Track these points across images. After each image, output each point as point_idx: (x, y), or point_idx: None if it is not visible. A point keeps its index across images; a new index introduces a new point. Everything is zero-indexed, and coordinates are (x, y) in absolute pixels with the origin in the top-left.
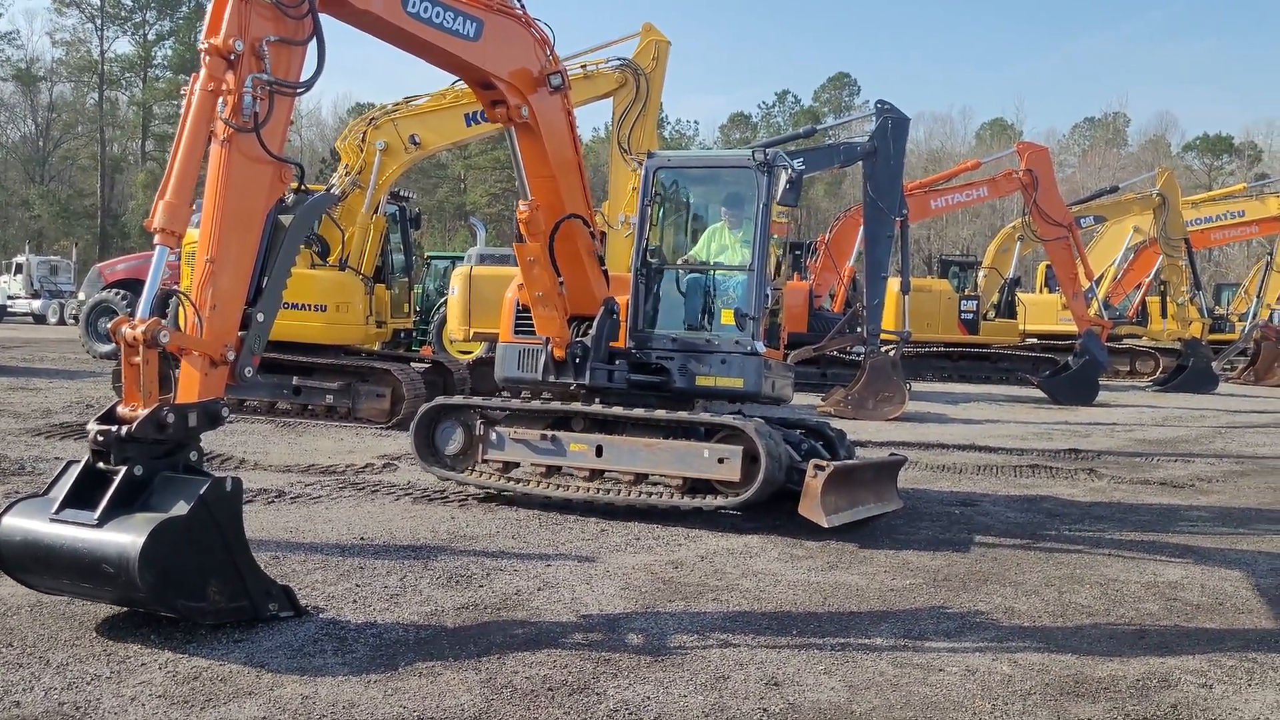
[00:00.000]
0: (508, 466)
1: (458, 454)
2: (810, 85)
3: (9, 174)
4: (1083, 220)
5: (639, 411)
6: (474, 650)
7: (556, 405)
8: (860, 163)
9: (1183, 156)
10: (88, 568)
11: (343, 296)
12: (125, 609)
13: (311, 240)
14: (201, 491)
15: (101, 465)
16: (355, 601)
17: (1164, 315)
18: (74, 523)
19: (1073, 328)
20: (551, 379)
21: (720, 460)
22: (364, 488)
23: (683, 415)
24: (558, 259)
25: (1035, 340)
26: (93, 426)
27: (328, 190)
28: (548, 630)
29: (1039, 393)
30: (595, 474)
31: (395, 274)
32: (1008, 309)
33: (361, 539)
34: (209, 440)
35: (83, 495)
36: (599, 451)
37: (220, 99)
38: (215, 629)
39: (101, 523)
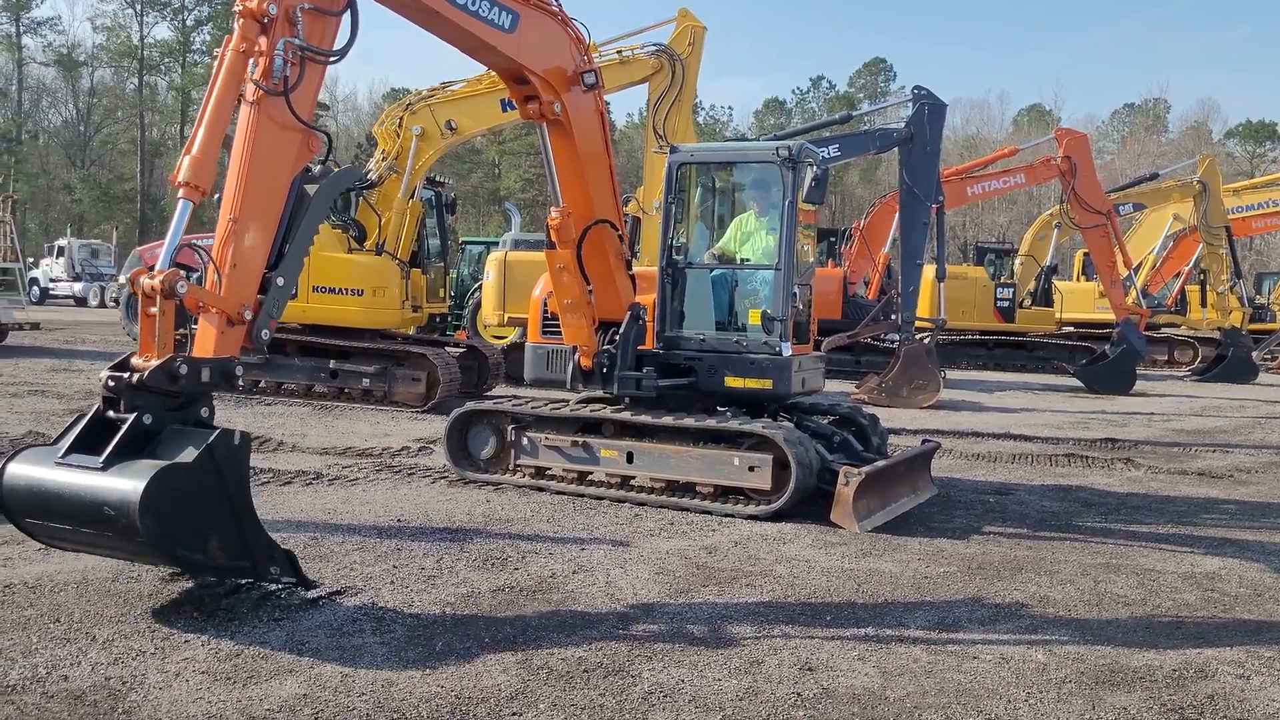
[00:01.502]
0: (540, 471)
1: (491, 458)
2: (845, 71)
3: (51, 158)
4: (1121, 208)
5: (668, 420)
6: (510, 632)
7: (586, 412)
8: (896, 149)
9: (1224, 143)
10: (89, 512)
11: (379, 281)
12: (161, 576)
13: (349, 225)
14: (209, 441)
15: (111, 414)
16: (393, 583)
17: (1203, 304)
18: (79, 467)
19: (1110, 316)
20: (580, 388)
21: (751, 468)
22: (400, 470)
23: (711, 424)
24: (586, 266)
25: (1072, 328)
26: (104, 374)
27: (363, 176)
28: (582, 613)
29: (1075, 381)
30: (626, 479)
31: (431, 259)
32: (1044, 297)
33: (398, 521)
34: (247, 423)
35: (90, 443)
36: (630, 458)
37: (251, 61)
38: (256, 608)
39: (106, 467)
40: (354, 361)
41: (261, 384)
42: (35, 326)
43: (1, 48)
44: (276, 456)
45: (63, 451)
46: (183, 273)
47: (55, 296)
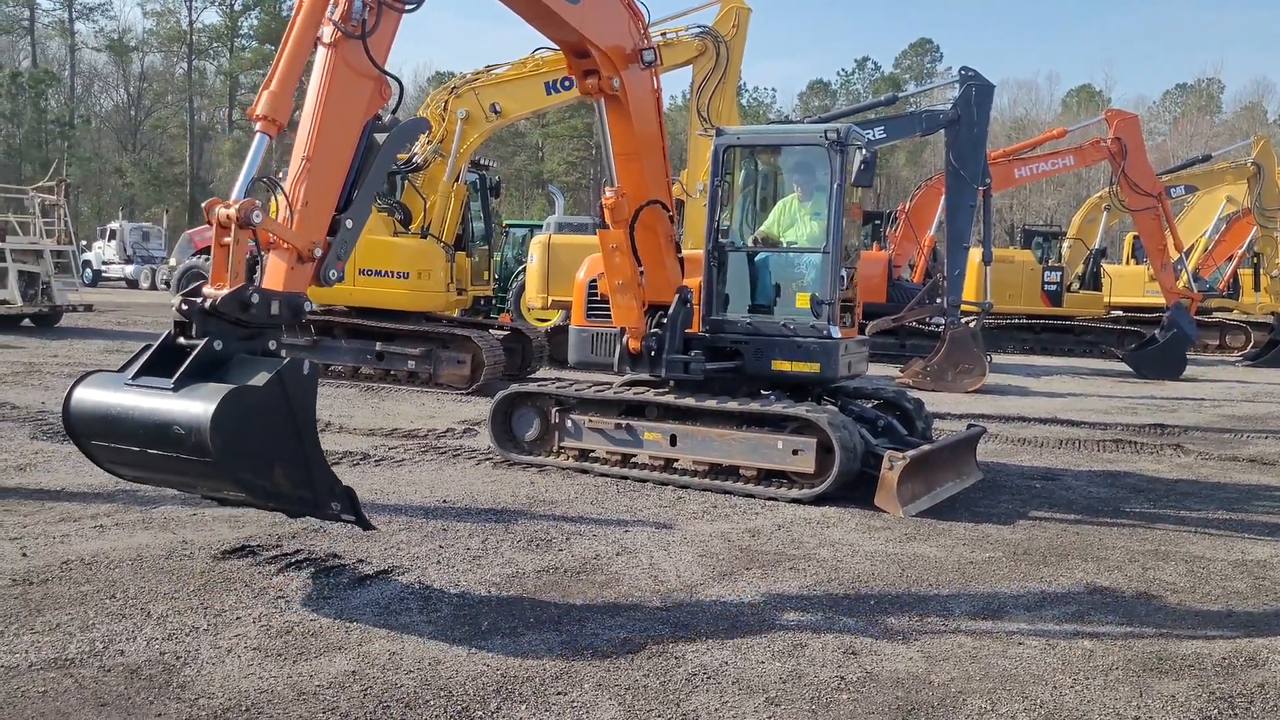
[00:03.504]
0: (584, 453)
1: (535, 440)
2: (891, 52)
3: (103, 142)
4: (1173, 190)
5: (711, 403)
6: (554, 612)
7: (629, 395)
8: (942, 131)
9: None
10: (158, 432)
11: (424, 264)
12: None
13: (394, 208)
14: (279, 367)
15: (182, 340)
16: (439, 563)
17: (1256, 288)
18: (149, 388)
19: (1160, 300)
20: (627, 370)
21: (795, 452)
22: (445, 452)
23: (754, 407)
24: (639, 246)
25: (1121, 313)
26: (177, 298)
27: (408, 159)
28: (626, 595)
29: (1124, 366)
30: (670, 462)
31: (475, 242)
32: (1092, 280)
33: (444, 502)
34: None
35: (159, 368)
36: (673, 441)
37: (331, 2)
38: (305, 586)
39: (177, 388)
40: (400, 344)
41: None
42: (88, 308)
43: (54, 33)
44: (324, 437)
45: (132, 374)
46: (259, 203)
47: (107, 279)
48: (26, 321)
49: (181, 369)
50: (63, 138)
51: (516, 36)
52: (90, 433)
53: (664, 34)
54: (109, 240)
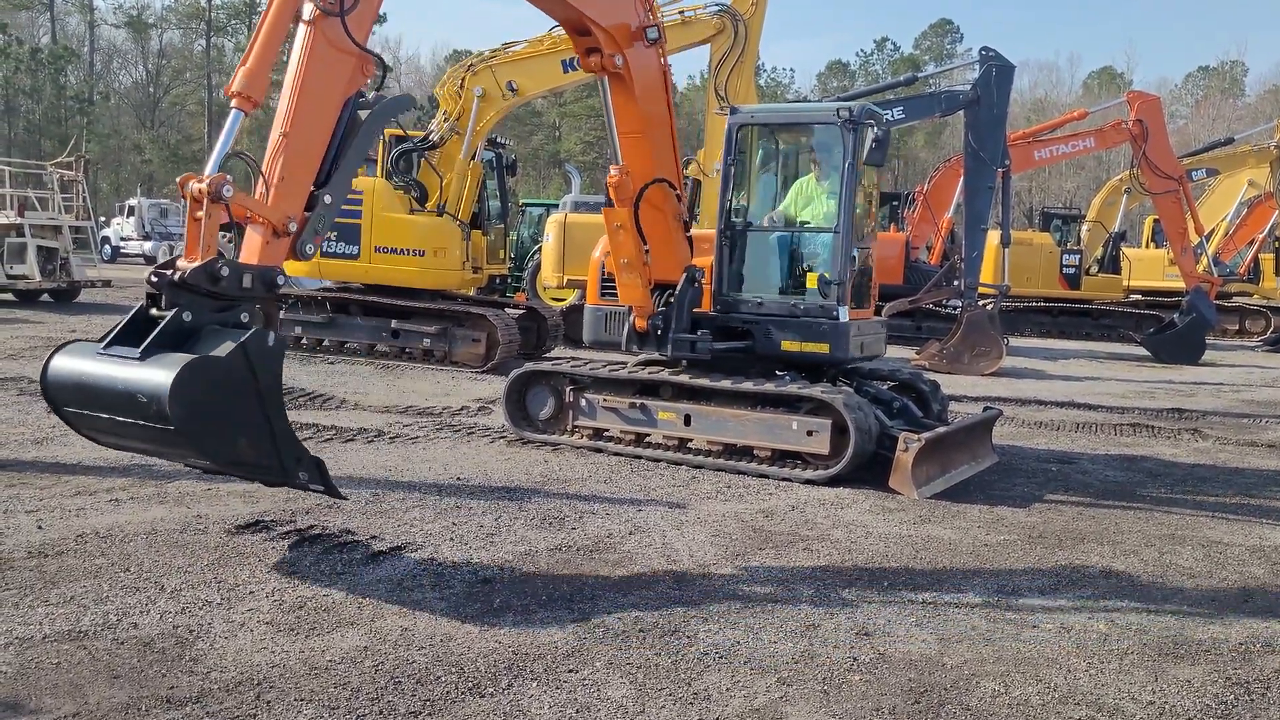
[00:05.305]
0: (598, 432)
1: (549, 419)
2: (911, 32)
3: (122, 119)
4: (1194, 173)
5: (726, 383)
6: (567, 590)
7: (644, 374)
8: (961, 112)
9: None
10: (125, 400)
11: (440, 242)
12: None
13: (410, 186)
14: (243, 339)
15: (154, 311)
16: (452, 540)
17: (1277, 272)
18: (118, 357)
19: (1179, 284)
20: (634, 349)
21: (809, 433)
22: (460, 429)
23: (769, 388)
24: (643, 225)
25: (1140, 296)
26: (150, 271)
27: (425, 137)
28: (639, 574)
29: (1142, 351)
30: (684, 441)
31: (491, 220)
32: (1111, 264)
33: (458, 479)
34: (310, 381)
35: (132, 337)
36: (687, 421)
37: None
38: (318, 561)
39: (144, 358)
40: (415, 322)
41: (325, 343)
42: (107, 284)
43: (74, 10)
44: (339, 414)
45: (104, 345)
46: (229, 178)
47: (126, 255)
48: (45, 297)
49: (149, 339)
50: (82, 114)
51: (534, 15)
52: (66, 400)
53: (682, 12)
54: (127, 216)
